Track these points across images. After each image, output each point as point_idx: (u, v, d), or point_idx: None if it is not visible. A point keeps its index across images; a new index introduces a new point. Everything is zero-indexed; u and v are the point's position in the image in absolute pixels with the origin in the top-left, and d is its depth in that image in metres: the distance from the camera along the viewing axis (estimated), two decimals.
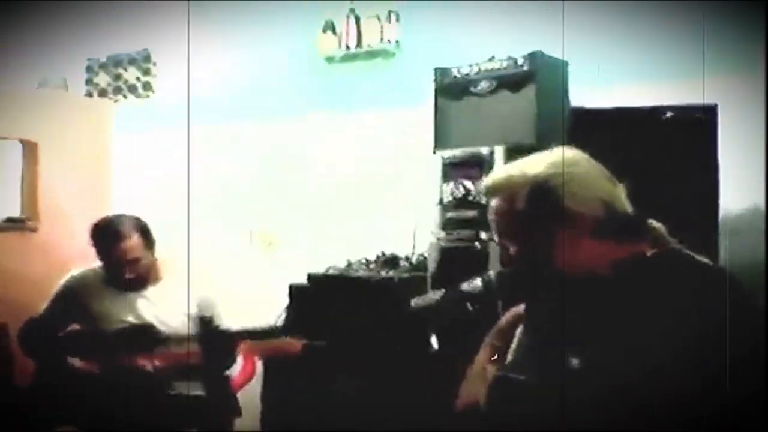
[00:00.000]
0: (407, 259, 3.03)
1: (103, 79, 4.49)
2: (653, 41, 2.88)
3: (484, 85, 2.84)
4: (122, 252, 2.58)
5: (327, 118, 3.63)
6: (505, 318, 1.57)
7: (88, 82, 4.55)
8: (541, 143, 2.57)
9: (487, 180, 1.43)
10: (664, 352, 1.16)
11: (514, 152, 2.61)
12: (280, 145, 3.75)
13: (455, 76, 2.93)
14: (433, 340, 2.02)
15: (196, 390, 2.62)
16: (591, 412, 1.20)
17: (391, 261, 3.03)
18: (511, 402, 1.34)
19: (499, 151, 2.67)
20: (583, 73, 2.88)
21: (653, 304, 1.22)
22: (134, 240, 2.59)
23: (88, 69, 4.57)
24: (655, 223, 1.37)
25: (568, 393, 1.23)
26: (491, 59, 2.83)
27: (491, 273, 1.48)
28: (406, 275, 2.84)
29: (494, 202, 1.39)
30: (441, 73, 2.97)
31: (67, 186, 3.53)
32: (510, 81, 2.77)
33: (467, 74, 2.90)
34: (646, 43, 2.89)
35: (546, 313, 1.41)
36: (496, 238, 1.41)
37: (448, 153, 2.84)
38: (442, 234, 2.74)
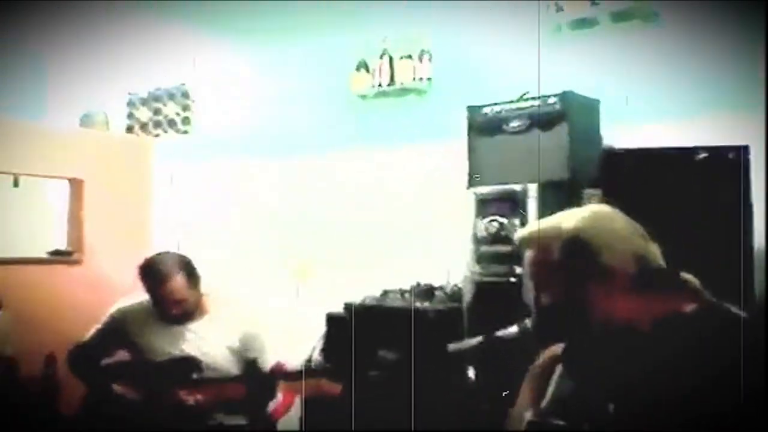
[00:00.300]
0: (442, 289, 3.11)
1: (144, 114, 4.66)
2: (682, 78, 2.95)
3: (516, 123, 2.94)
4: (168, 292, 2.68)
5: (363, 153, 3.74)
6: (543, 359, 1.63)
7: (130, 116, 4.73)
8: (573, 181, 2.70)
9: (522, 232, 1.50)
10: (700, 407, 1.22)
11: (547, 189, 2.75)
12: (317, 179, 3.86)
13: (487, 114, 3.03)
14: (471, 373, 2.09)
15: (236, 420, 2.71)
16: None
17: (427, 292, 3.10)
18: None
19: (532, 188, 2.75)
20: (614, 111, 2.97)
21: (689, 359, 1.27)
22: (179, 280, 2.68)
23: (130, 103, 4.75)
24: (688, 276, 1.41)
25: None
26: (524, 98, 2.94)
27: (527, 321, 1.55)
28: (441, 306, 2.91)
29: (528, 254, 1.46)
30: (473, 111, 3.07)
31: (110, 220, 3.68)
32: (542, 119, 2.86)
33: (499, 112, 2.99)
34: (675, 80, 2.97)
35: (583, 362, 1.48)
36: (532, 287, 1.48)
37: (481, 189, 2.93)
38: (477, 268, 2.83)
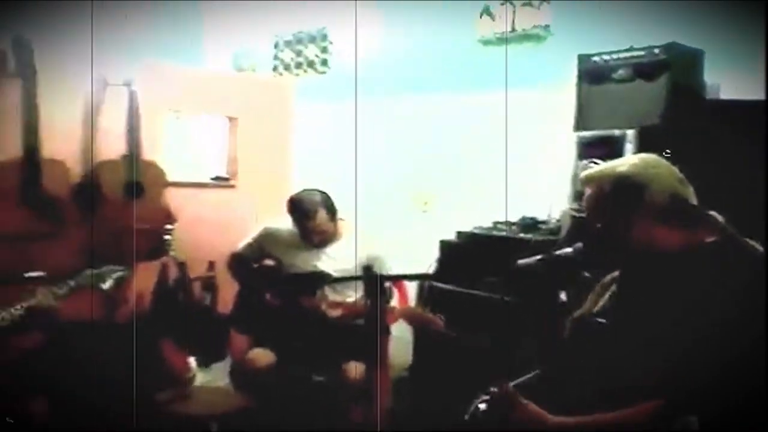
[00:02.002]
0: (545, 223, 3.47)
1: (287, 56, 5.23)
2: None
3: (622, 72, 3.20)
4: (313, 225, 3.23)
5: (480, 94, 4.08)
6: (606, 279, 2.01)
7: (275, 57, 5.32)
8: (669, 129, 2.95)
9: (584, 173, 1.87)
10: (713, 325, 1.55)
11: (645, 136, 3.01)
12: (438, 118, 4.26)
13: (596, 62, 3.31)
14: (563, 295, 2.49)
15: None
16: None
17: (531, 225, 3.47)
18: (587, 338, 1.80)
19: (630, 134, 3.04)
20: (720, 63, 3.15)
21: (707, 283, 1.60)
22: (322, 215, 3.22)
23: (275, 45, 5.33)
24: (716, 215, 1.73)
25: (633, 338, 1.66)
26: (630, 48, 3.19)
27: (579, 245, 1.93)
28: (541, 238, 3.29)
29: (588, 190, 1.84)
30: (583, 58, 3.36)
31: (259, 151, 4.29)
32: (646, 69, 3.11)
33: (607, 61, 3.26)
34: None
35: (630, 281, 1.84)
36: (587, 218, 1.86)
37: (585, 134, 3.25)
38: (575, 204, 3.17)
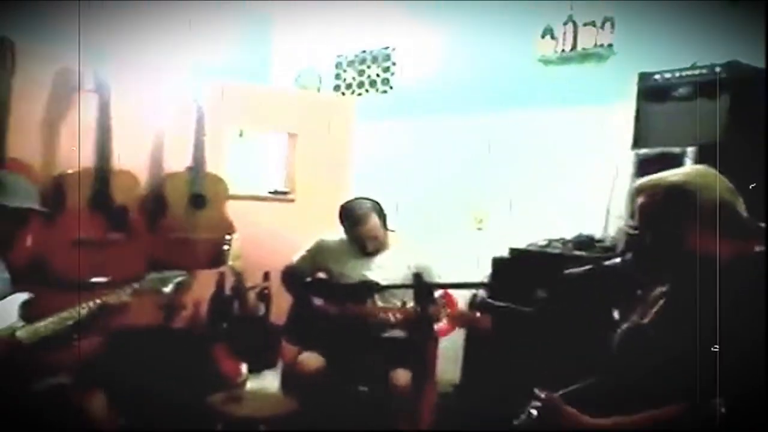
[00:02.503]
0: (600, 241, 3.45)
1: (349, 75, 5.36)
2: None
3: (683, 90, 3.18)
4: (365, 230, 3.32)
5: (539, 112, 4.09)
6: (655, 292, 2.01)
7: (337, 77, 5.45)
8: (729, 147, 2.90)
9: (637, 183, 1.89)
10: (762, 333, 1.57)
11: (704, 153, 2.97)
12: (496, 136, 4.28)
13: (657, 80, 3.29)
14: (615, 313, 2.49)
15: (400, 334, 3.28)
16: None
17: (586, 242, 3.45)
18: (637, 348, 1.81)
19: (690, 152, 3.00)
20: None
21: (756, 292, 1.62)
22: (374, 220, 3.32)
23: (337, 65, 5.47)
24: (762, 225, 1.74)
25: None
26: (691, 66, 3.16)
27: (628, 255, 1.93)
28: (596, 256, 3.26)
29: (640, 200, 1.85)
30: (644, 76, 3.35)
31: (317, 167, 4.40)
32: (707, 87, 3.07)
33: (668, 79, 3.25)
34: None
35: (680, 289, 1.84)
36: (637, 227, 1.86)
37: (644, 151, 3.23)
38: (631, 222, 3.13)
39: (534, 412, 1.85)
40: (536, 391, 1.84)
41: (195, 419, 2.93)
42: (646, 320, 1.93)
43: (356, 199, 3.45)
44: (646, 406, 1.68)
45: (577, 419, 1.77)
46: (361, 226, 3.32)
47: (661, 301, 1.94)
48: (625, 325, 1.93)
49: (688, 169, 1.86)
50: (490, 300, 3.33)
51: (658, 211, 1.81)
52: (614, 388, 1.83)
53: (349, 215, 3.37)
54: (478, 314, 3.01)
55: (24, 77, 3.22)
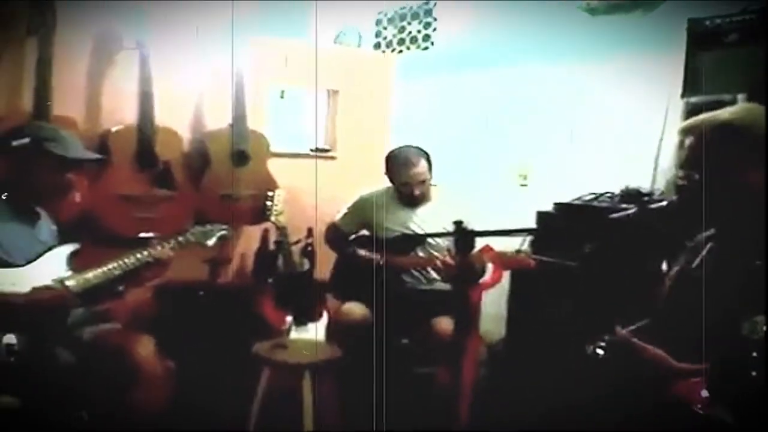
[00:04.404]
0: (649, 194, 3.38)
1: (389, 32, 5.32)
2: None
3: (733, 36, 3.08)
4: (414, 173, 3.33)
5: (586, 64, 4.01)
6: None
7: (377, 34, 5.41)
8: None
9: (684, 123, 1.85)
10: None
11: (754, 99, 2.89)
12: (540, 89, 4.21)
13: (707, 26, 3.20)
14: (664, 265, 2.45)
15: (445, 286, 3.30)
16: None
17: (634, 195, 3.37)
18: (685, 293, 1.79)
19: (740, 99, 2.92)
20: None
21: None
22: (422, 164, 3.35)
23: (378, 22, 5.43)
24: None
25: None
26: (742, 11, 3.06)
27: (673, 198, 1.90)
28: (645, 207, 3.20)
29: (688, 140, 1.82)
30: (694, 22, 3.25)
31: (358, 124, 4.40)
32: (758, 33, 2.98)
33: (719, 25, 3.15)
34: None
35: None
36: (684, 169, 1.83)
37: (694, 99, 3.15)
38: (681, 173, 3.07)
39: (600, 351, 1.84)
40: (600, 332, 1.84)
41: (241, 365, 3.01)
42: (693, 265, 1.91)
43: (404, 146, 3.48)
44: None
45: (656, 354, 1.78)
46: (410, 168, 3.34)
47: (710, 244, 1.91)
48: (672, 272, 1.90)
49: (737, 107, 1.83)
50: (534, 256, 3.29)
51: (708, 150, 1.77)
52: (667, 331, 1.82)
53: (398, 159, 3.40)
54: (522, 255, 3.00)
55: (65, 36, 3.27)
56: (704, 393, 1.68)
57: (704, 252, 1.91)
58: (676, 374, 1.74)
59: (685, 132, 1.85)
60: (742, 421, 1.59)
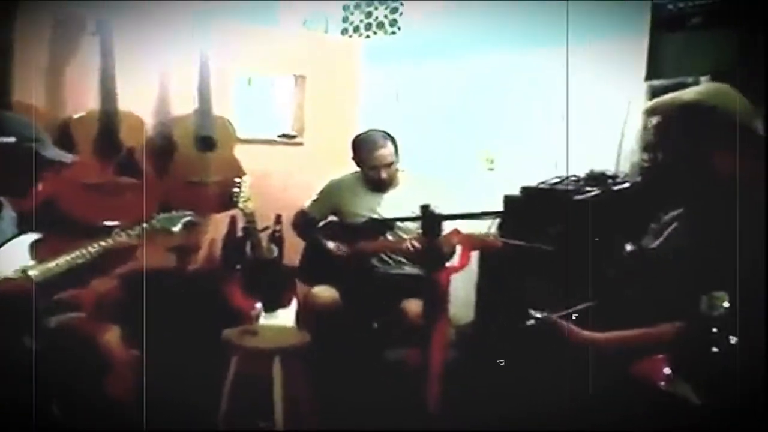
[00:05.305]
0: (613, 177, 3.41)
1: (357, 17, 5.28)
2: None
3: (696, 20, 3.13)
4: (379, 157, 3.33)
5: (550, 49, 4.01)
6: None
7: (345, 20, 5.37)
8: (742, 76, 2.86)
9: (648, 104, 1.87)
10: None
11: (716, 81, 2.93)
12: (506, 75, 4.22)
13: (670, 10, 3.23)
14: (628, 246, 2.48)
15: (415, 270, 3.34)
16: None
17: (599, 178, 3.38)
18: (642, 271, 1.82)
19: (703, 81, 2.95)
20: None
21: None
22: (389, 147, 3.36)
23: (345, 8, 5.38)
24: None
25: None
26: None
27: (637, 179, 1.93)
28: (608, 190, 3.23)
29: (654, 119, 1.83)
30: (658, 7, 3.29)
31: (325, 110, 4.39)
32: (721, 16, 3.02)
33: (682, 8, 3.19)
34: None
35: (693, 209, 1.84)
36: (647, 151, 1.85)
37: (656, 82, 3.18)
38: (645, 156, 3.11)
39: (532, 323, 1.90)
40: (531, 311, 1.86)
41: (211, 352, 2.99)
42: (654, 244, 1.93)
43: (369, 130, 3.50)
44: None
45: (573, 332, 1.83)
46: (376, 151, 3.35)
47: (674, 225, 1.93)
48: (629, 249, 1.93)
49: (703, 86, 1.83)
50: (502, 239, 3.31)
51: (674, 130, 1.78)
52: (614, 309, 1.86)
53: (364, 143, 3.41)
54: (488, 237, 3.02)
55: (26, 21, 3.19)
56: (667, 370, 1.71)
57: (667, 231, 1.93)
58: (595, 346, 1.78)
59: (650, 112, 1.86)
60: (705, 398, 1.61)
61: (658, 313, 1.69)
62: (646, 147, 1.87)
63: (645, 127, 2.28)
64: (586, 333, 1.82)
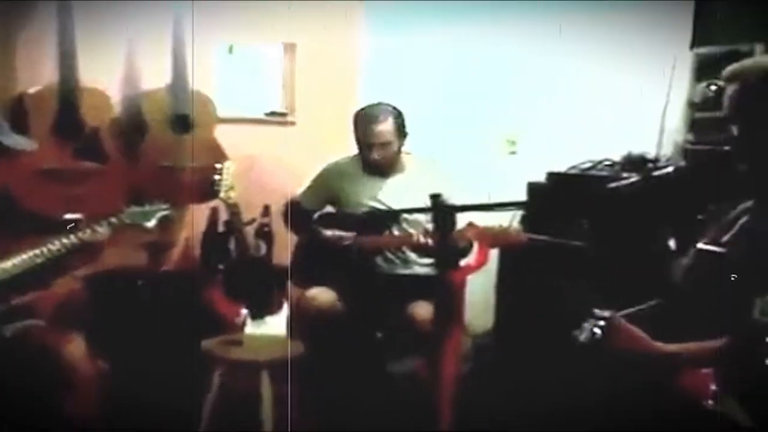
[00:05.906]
0: (654, 161, 3.41)
1: None
2: None
3: None
4: (376, 133, 3.32)
5: (580, 15, 4.00)
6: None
7: None
8: None
9: (728, 68, 1.86)
10: None
11: None
12: (531, 44, 4.21)
13: None
14: (671, 242, 2.49)
15: (428, 270, 3.34)
16: None
17: (637, 162, 3.38)
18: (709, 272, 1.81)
19: (759, 49, 2.96)
20: None
21: None
22: (388, 123, 3.32)
23: None
24: None
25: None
26: None
27: (682, 164, 1.92)
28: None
29: (731, 88, 1.83)
30: None
31: (320, 83, 4.39)
32: None
33: None
34: None
35: None
36: (727, 119, 1.84)
37: (704, 50, 3.18)
38: (690, 136, 3.12)
39: (597, 331, 1.84)
40: (596, 311, 1.84)
41: (189, 365, 3.01)
42: (722, 240, 1.92)
43: (376, 103, 3.46)
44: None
45: (641, 340, 1.79)
46: (374, 125, 3.32)
47: (745, 218, 1.92)
48: (694, 248, 1.91)
49: None
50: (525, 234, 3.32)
51: (752, 100, 1.78)
52: (679, 314, 1.84)
53: (363, 116, 3.39)
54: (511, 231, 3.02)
55: None
56: (713, 386, 1.71)
57: (737, 227, 1.91)
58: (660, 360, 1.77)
59: (729, 79, 1.85)
60: (757, 419, 1.61)
61: (712, 321, 1.69)
62: (721, 120, 1.84)
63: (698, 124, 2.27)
64: (658, 343, 1.77)
